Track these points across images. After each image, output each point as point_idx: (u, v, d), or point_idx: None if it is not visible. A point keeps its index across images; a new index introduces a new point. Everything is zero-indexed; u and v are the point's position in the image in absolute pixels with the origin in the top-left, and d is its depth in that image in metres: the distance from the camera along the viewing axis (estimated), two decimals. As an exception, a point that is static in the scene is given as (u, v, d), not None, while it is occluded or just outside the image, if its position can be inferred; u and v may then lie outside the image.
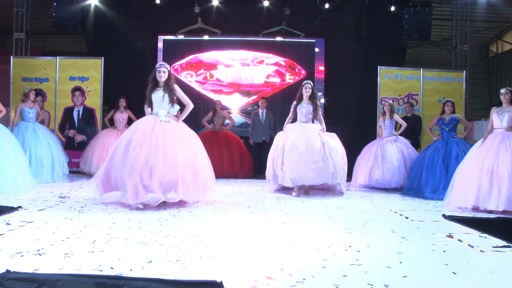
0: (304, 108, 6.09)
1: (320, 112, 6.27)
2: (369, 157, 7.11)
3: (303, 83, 6.25)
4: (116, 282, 1.95)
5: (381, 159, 6.93)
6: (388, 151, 6.95)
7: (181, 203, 4.77)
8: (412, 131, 7.84)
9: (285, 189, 6.25)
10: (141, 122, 4.88)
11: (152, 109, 5.01)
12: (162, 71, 4.95)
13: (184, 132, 4.94)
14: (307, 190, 6.06)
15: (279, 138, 6.17)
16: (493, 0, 10.05)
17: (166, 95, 4.92)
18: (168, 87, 4.96)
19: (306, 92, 6.12)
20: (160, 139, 4.59)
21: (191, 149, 4.76)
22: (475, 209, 4.87)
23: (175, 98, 5.00)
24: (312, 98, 6.08)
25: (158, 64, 5.08)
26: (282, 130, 6.30)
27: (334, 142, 5.93)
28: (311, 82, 6.25)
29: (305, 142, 5.74)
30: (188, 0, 9.60)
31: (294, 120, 6.23)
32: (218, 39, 10.38)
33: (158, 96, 4.93)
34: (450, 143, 6.19)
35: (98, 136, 8.11)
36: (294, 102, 6.23)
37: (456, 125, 6.36)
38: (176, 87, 5.04)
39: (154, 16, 10.21)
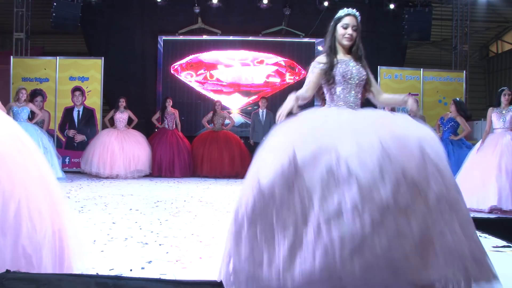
0: (353, 69, 2.48)
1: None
2: None
3: (339, 14, 2.40)
4: (116, 282, 1.95)
5: None
6: None
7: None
8: None
9: None
10: None
11: None
12: None
13: None
14: None
15: (279, 144, 1.96)
16: (493, 0, 10.05)
17: None
18: None
19: (348, 37, 2.41)
20: None
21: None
22: (493, 209, 4.83)
23: None
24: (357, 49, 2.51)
25: None
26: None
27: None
28: (356, 12, 2.42)
29: (398, 165, 1.86)
30: (188, 0, 9.61)
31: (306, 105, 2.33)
32: (218, 39, 10.37)
33: None
34: (444, 142, 6.18)
35: (98, 136, 8.12)
36: (319, 64, 2.39)
37: (454, 126, 6.32)
38: None
39: (154, 16, 10.20)
